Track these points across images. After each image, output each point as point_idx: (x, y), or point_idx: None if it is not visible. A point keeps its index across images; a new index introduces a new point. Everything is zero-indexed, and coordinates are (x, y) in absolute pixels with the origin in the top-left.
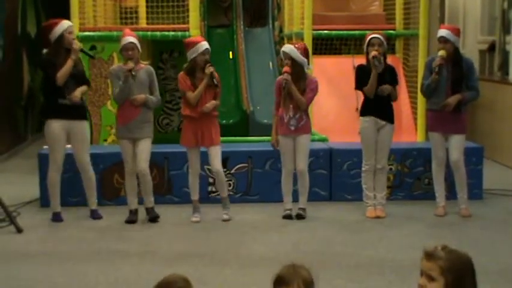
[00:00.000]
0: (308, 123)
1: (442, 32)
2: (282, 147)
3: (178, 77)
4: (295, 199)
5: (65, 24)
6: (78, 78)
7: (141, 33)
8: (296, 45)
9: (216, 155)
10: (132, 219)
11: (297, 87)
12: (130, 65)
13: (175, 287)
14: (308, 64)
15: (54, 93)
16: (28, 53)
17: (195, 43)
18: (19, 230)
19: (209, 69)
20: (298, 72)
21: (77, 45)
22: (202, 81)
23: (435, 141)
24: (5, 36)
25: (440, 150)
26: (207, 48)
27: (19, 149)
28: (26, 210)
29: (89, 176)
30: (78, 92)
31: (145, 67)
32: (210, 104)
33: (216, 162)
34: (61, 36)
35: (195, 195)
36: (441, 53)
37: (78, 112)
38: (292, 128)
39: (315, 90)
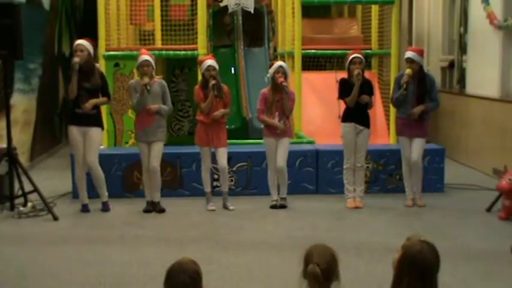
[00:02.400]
0: (290, 128)
1: (409, 54)
2: (267, 148)
3: (194, 89)
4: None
5: (74, 44)
6: (91, 91)
7: (157, 52)
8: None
9: (222, 154)
10: (149, 209)
11: (281, 97)
12: (146, 80)
13: (185, 268)
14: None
15: (73, 103)
16: (63, 70)
17: (202, 61)
18: (55, 218)
19: (211, 82)
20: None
21: (74, 61)
22: (210, 93)
23: (403, 144)
24: (45, 56)
25: (408, 151)
26: (210, 65)
27: (55, 150)
28: (60, 202)
29: (96, 174)
30: (89, 104)
31: (158, 81)
32: (219, 112)
33: (222, 160)
34: (71, 54)
35: (207, 188)
36: (408, 71)
37: (90, 120)
38: (278, 131)
39: (294, 100)
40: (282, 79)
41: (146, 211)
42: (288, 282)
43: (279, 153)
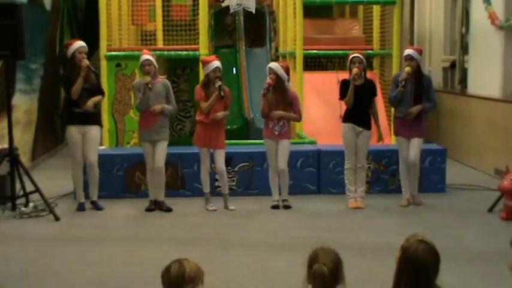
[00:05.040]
0: (289, 130)
1: (409, 51)
2: (267, 149)
3: (195, 89)
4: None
5: (76, 44)
6: (91, 90)
7: (158, 52)
8: (280, 64)
9: (220, 157)
10: (151, 208)
11: (281, 97)
12: (147, 79)
13: (168, 267)
14: (288, 80)
15: (71, 103)
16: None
17: (208, 62)
18: (57, 218)
19: (217, 83)
20: (281, 85)
21: (84, 63)
22: (214, 94)
23: (401, 144)
24: (46, 56)
25: (405, 152)
26: (217, 67)
27: (56, 150)
28: (62, 202)
29: (94, 173)
30: (91, 102)
31: (162, 80)
32: (221, 113)
33: (220, 163)
34: (73, 55)
35: (206, 188)
36: (407, 69)
37: (90, 118)
38: (276, 132)
39: (299, 101)
40: (270, 80)
41: (148, 210)
42: (290, 282)
43: (280, 155)
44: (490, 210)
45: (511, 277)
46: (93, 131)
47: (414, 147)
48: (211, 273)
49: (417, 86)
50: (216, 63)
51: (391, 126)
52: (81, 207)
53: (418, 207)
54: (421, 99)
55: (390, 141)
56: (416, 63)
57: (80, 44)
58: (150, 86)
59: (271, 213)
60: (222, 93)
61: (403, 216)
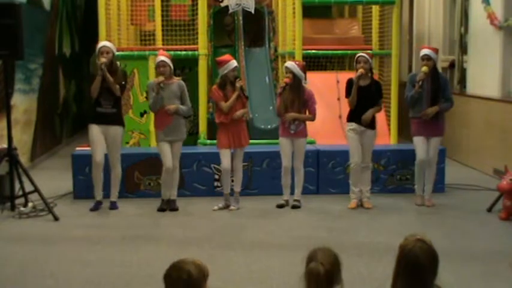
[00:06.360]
0: (305, 129)
1: (426, 51)
2: (282, 148)
3: (212, 89)
4: (292, 192)
5: (99, 44)
6: (111, 90)
7: (157, 52)
8: (296, 63)
9: (239, 156)
10: (163, 208)
11: (297, 97)
12: (160, 79)
13: (179, 266)
14: (305, 79)
15: (94, 103)
16: (63, 70)
17: (226, 61)
18: (56, 218)
19: (239, 83)
20: (297, 84)
21: (100, 61)
22: (231, 93)
23: (418, 144)
24: (45, 56)
25: (422, 152)
26: (236, 66)
27: (56, 150)
28: (61, 202)
29: (116, 173)
30: (108, 77)
31: (177, 81)
32: (240, 112)
33: (238, 162)
34: (97, 55)
35: (227, 189)
36: (424, 69)
37: (112, 118)
38: (292, 131)
39: (315, 101)
40: (287, 79)
41: (160, 210)
42: (289, 282)
43: (295, 154)
44: (489, 210)
45: (510, 277)
46: (115, 130)
47: (433, 147)
48: (211, 273)
49: (434, 85)
50: (235, 63)
51: (390, 126)
52: (97, 206)
53: (418, 207)
54: (438, 99)
55: (389, 141)
56: (433, 63)
57: (101, 43)
58: (162, 85)
59: (271, 213)
60: (246, 93)
61: (403, 216)
